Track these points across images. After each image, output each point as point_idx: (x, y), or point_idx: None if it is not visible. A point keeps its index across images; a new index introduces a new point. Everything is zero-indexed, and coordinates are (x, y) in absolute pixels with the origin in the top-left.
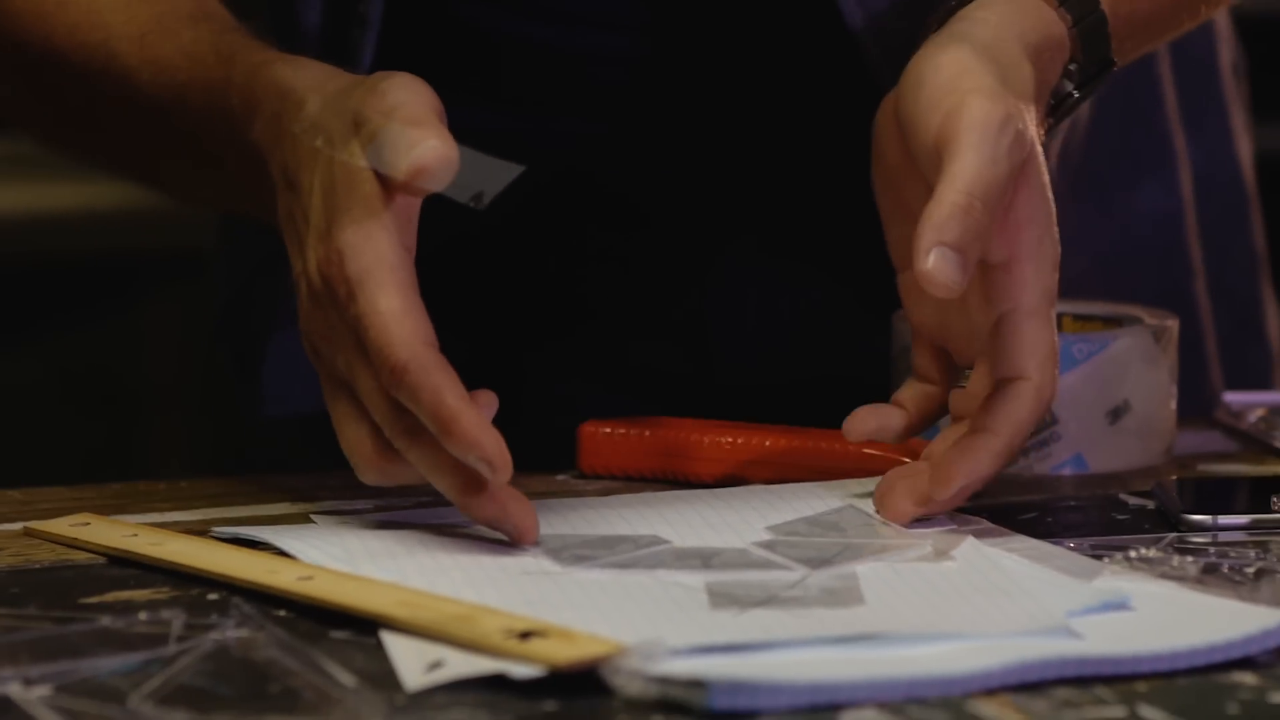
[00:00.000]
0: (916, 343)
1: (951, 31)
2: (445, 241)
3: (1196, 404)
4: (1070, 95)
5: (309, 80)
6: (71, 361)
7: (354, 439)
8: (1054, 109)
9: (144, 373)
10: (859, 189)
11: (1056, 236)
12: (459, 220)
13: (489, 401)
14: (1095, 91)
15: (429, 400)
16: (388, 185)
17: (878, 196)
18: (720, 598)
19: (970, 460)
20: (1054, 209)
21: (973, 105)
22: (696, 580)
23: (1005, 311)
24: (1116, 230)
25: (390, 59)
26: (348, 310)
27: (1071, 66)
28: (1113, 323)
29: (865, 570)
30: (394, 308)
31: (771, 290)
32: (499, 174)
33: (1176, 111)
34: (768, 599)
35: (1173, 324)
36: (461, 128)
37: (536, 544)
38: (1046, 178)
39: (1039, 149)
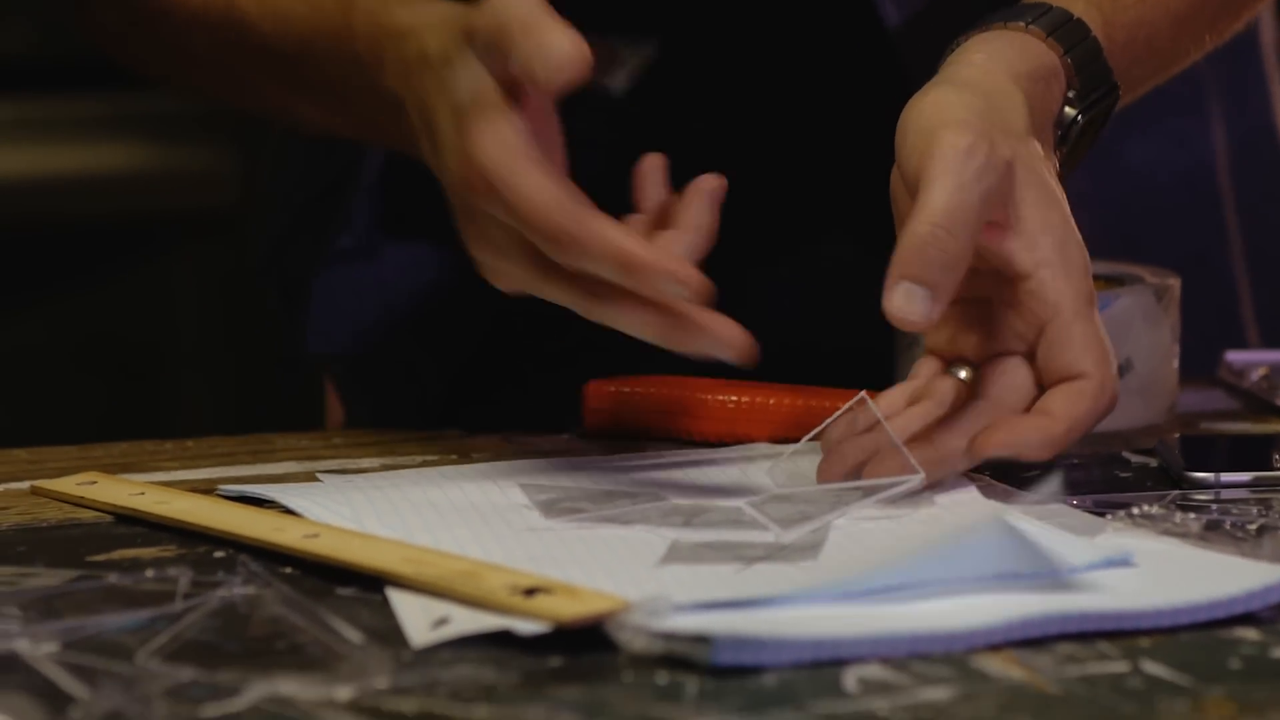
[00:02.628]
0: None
1: (939, 76)
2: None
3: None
4: (1075, 120)
5: (425, 18)
6: (80, 324)
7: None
8: (1064, 136)
9: (152, 335)
10: (877, 177)
11: (1080, 241)
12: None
13: (714, 186)
14: (1106, 116)
15: (599, 247)
16: (511, 89)
17: None
18: (723, 553)
19: (1018, 434)
20: (1068, 217)
21: (941, 138)
22: (700, 535)
23: (1049, 320)
24: (1135, 182)
25: None
26: (495, 207)
27: (1070, 94)
28: (1114, 281)
29: (871, 525)
30: (538, 184)
31: (786, 263)
32: (633, 57)
33: (1210, 70)
34: (771, 553)
35: (1174, 283)
36: None
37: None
38: (1054, 186)
39: (1035, 163)
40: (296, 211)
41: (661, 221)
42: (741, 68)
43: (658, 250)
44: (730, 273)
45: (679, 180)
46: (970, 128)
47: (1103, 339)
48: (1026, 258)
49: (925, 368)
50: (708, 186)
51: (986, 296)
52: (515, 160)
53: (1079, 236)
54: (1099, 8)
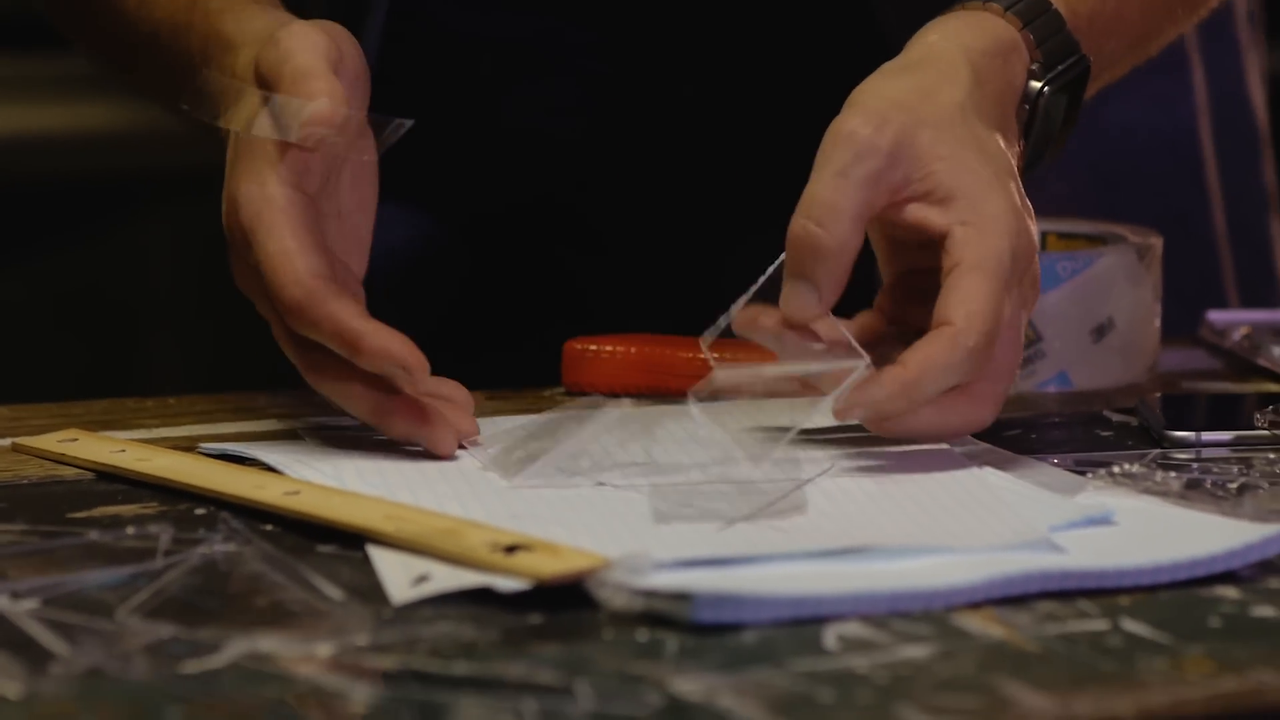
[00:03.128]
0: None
1: (892, 60)
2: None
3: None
4: (1041, 92)
5: (249, 32)
6: (59, 281)
7: (296, 363)
8: (1032, 109)
9: (133, 293)
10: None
11: (1014, 207)
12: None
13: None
14: (1079, 91)
15: (329, 327)
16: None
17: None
18: (707, 511)
19: (867, 390)
20: (996, 182)
21: (832, 127)
22: (681, 494)
23: (946, 270)
24: (1116, 144)
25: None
26: (248, 256)
27: (1034, 66)
28: (1097, 241)
29: (851, 484)
30: (283, 248)
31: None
32: (391, 127)
33: (1190, 35)
34: (753, 512)
35: (1156, 242)
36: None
37: (454, 458)
38: (981, 152)
39: (955, 131)
40: None
41: None
42: (724, 38)
43: (380, 329)
44: (711, 246)
45: (663, 149)
46: (866, 111)
47: (989, 296)
48: (940, 220)
49: (865, 318)
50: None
51: (934, 266)
52: (268, 214)
53: (1012, 201)
54: None
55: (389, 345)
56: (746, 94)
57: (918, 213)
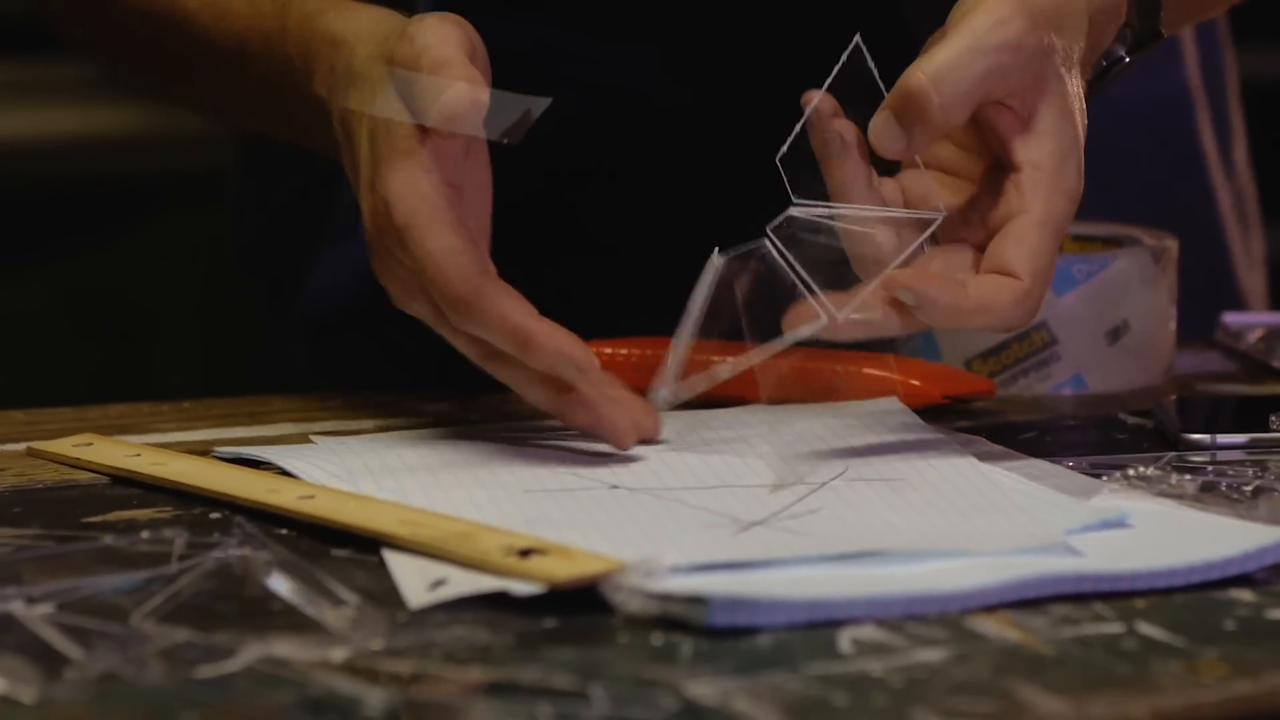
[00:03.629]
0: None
1: None
2: None
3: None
4: (1121, 59)
5: (359, 28)
6: (76, 285)
7: (466, 352)
8: (1104, 72)
9: (149, 297)
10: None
11: (1079, 168)
12: None
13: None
14: (1142, 59)
15: (498, 325)
16: (425, 128)
17: None
18: (719, 515)
19: (926, 283)
20: (1080, 141)
21: (981, 3)
22: (696, 498)
23: (1015, 215)
24: (1115, 154)
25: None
26: (402, 256)
27: (1126, 31)
28: (1112, 243)
29: (865, 488)
30: (443, 246)
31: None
32: (526, 109)
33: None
34: (768, 515)
35: (1172, 244)
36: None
37: (634, 452)
38: (1075, 107)
39: (1070, 73)
40: (279, 204)
41: None
42: (723, 45)
43: (552, 328)
44: (708, 249)
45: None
46: (1018, 6)
47: (1052, 256)
48: (1023, 153)
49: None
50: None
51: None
52: (424, 212)
53: (1081, 164)
54: None
55: (561, 344)
56: (745, 99)
57: (1006, 126)
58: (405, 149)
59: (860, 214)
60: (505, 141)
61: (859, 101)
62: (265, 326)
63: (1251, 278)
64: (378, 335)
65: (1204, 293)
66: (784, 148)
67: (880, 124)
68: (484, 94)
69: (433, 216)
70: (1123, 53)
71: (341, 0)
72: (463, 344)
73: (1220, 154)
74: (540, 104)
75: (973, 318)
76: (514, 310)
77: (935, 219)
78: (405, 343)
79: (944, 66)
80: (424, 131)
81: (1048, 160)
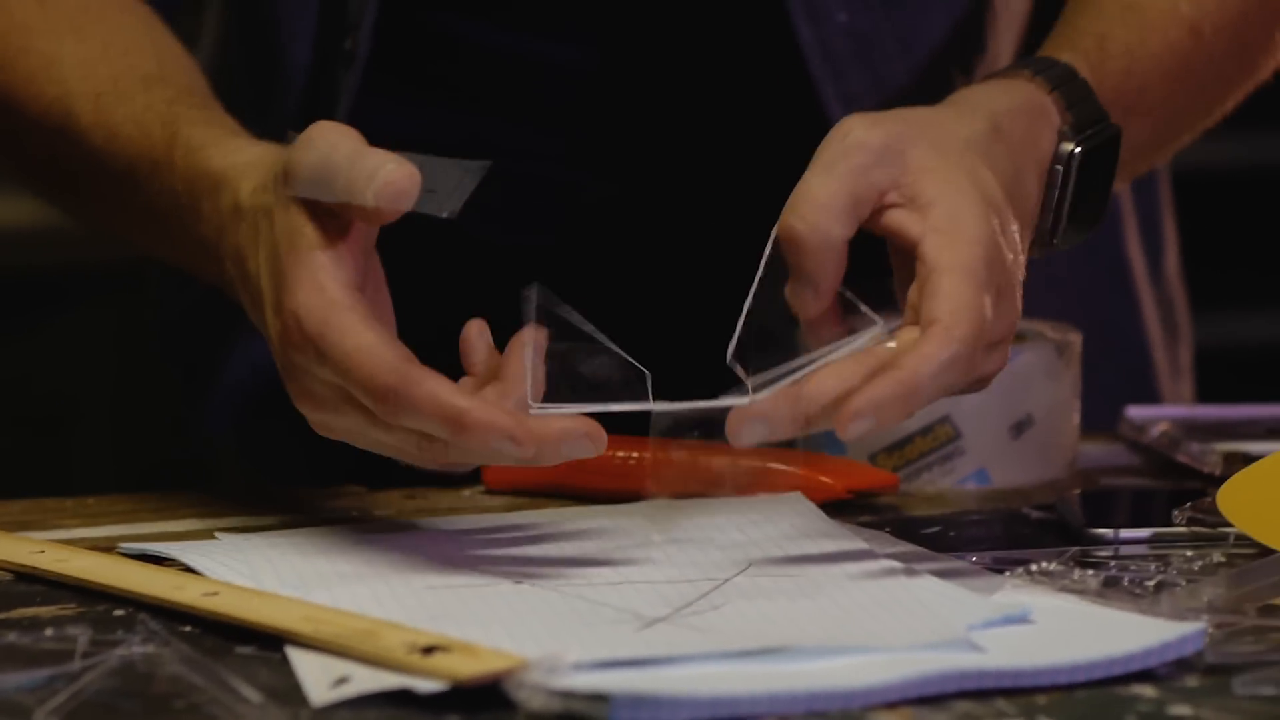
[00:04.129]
0: None
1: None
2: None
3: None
4: (1073, 154)
5: (242, 163)
6: None
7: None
8: (1066, 171)
9: (57, 389)
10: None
11: (981, 216)
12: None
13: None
14: (1109, 156)
15: (430, 408)
16: (327, 232)
17: None
18: (622, 612)
19: (871, 389)
20: (976, 196)
21: (831, 132)
22: (599, 595)
23: (923, 278)
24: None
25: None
26: (321, 365)
27: (1064, 128)
28: (1016, 338)
29: (768, 584)
30: (362, 343)
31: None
32: (463, 176)
33: None
34: (671, 612)
35: (1075, 339)
36: (424, 130)
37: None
38: (967, 173)
39: (946, 148)
40: (197, 294)
41: (488, 379)
42: (659, 87)
43: (489, 407)
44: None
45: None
46: (864, 115)
47: (971, 293)
48: (916, 227)
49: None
50: (528, 338)
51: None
52: (334, 313)
53: (989, 223)
54: (1085, 55)
55: (495, 419)
56: (669, 192)
57: (896, 218)
58: (307, 258)
59: (814, 360)
60: (445, 215)
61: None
62: (179, 415)
63: (1178, 386)
64: (297, 421)
65: (1126, 399)
66: (731, 345)
67: (789, 293)
68: (414, 169)
69: (345, 318)
70: (1071, 148)
71: (225, 136)
72: (398, 440)
73: (1148, 264)
74: (476, 168)
75: (920, 387)
76: (444, 390)
77: (875, 329)
78: (302, 449)
79: (800, 198)
80: (324, 240)
81: (941, 221)
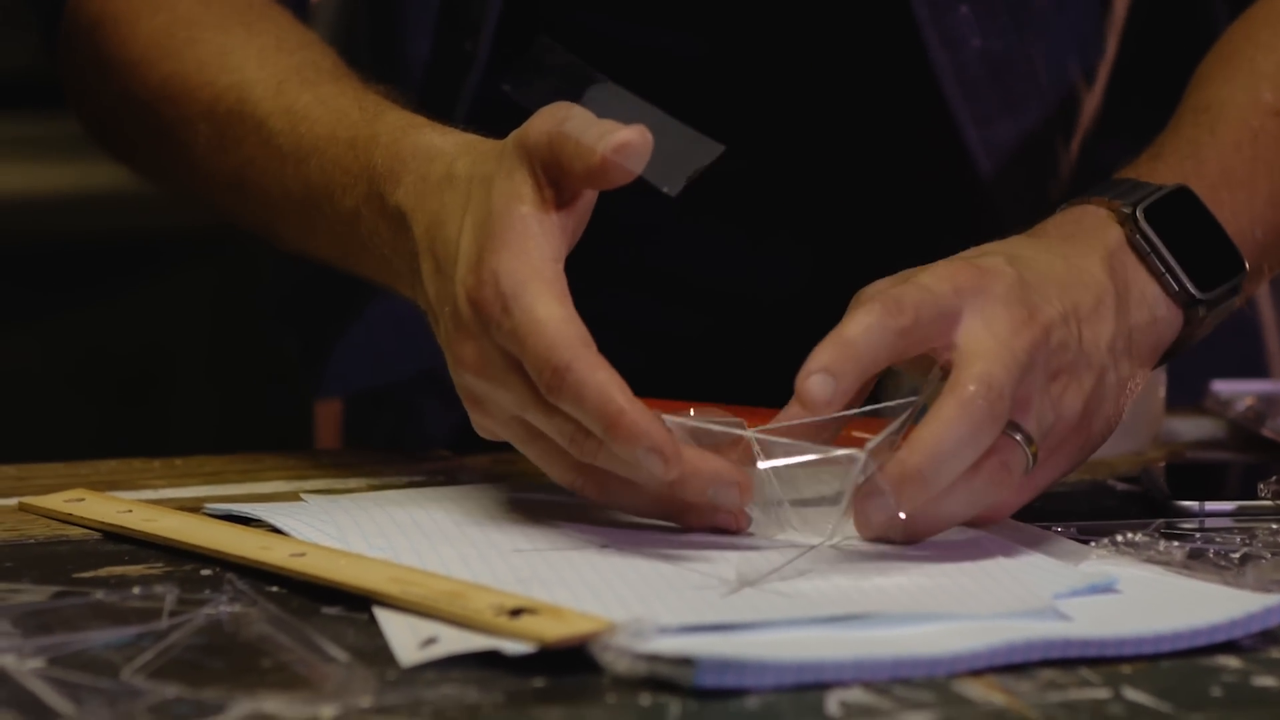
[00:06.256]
0: None
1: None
2: None
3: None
4: (1134, 213)
5: (458, 144)
6: (74, 342)
7: (551, 464)
8: (1140, 232)
9: (147, 353)
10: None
11: (1000, 336)
12: None
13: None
14: (1188, 205)
15: (594, 396)
16: (545, 202)
17: None
18: (708, 576)
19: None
20: (1016, 334)
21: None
22: (686, 559)
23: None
24: None
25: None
26: (502, 326)
27: (1120, 210)
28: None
29: (855, 551)
30: (553, 314)
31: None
32: (696, 156)
33: None
34: (758, 577)
35: None
36: None
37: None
38: (1013, 318)
39: (1000, 292)
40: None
41: None
42: (771, 78)
43: (650, 417)
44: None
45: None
46: (945, 270)
47: (1003, 368)
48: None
49: None
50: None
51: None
52: (533, 280)
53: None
54: (1134, 167)
55: (649, 428)
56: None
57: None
58: (520, 225)
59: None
60: (667, 191)
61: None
62: (278, 381)
63: None
64: (389, 415)
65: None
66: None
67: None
68: (649, 133)
69: (542, 287)
70: (1129, 211)
71: (434, 121)
72: (554, 426)
73: None
74: (710, 149)
75: (931, 461)
76: (614, 384)
77: (857, 460)
78: (434, 410)
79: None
80: (541, 209)
81: (971, 343)
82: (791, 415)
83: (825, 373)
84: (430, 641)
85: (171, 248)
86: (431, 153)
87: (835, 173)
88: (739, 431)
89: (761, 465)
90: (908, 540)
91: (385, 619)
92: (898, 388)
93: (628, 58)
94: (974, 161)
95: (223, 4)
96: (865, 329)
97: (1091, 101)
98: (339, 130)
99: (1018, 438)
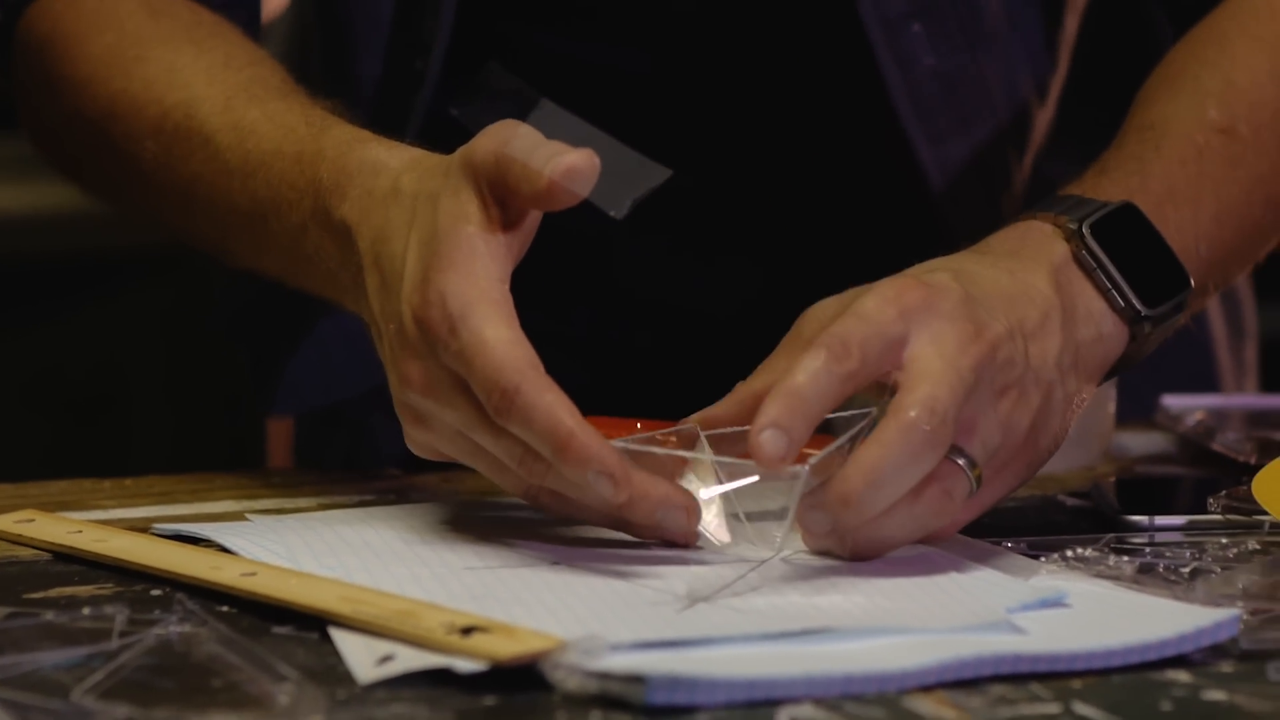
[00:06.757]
0: None
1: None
2: None
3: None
4: (1080, 229)
5: (404, 159)
6: (25, 362)
7: (500, 478)
8: (1086, 248)
9: (99, 372)
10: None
11: (970, 369)
12: None
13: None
14: (1133, 222)
15: (543, 418)
16: (492, 222)
17: None
18: (661, 593)
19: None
20: (963, 350)
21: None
22: (638, 575)
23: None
24: None
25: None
26: (450, 347)
27: (1064, 226)
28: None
29: (806, 566)
30: (501, 336)
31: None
32: (642, 180)
33: None
34: (710, 594)
35: None
36: None
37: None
38: (957, 329)
39: (945, 307)
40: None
41: None
42: (720, 90)
43: (599, 440)
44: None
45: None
46: (882, 289)
47: (948, 388)
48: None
49: None
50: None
51: None
52: (481, 301)
53: (952, 356)
54: (1079, 184)
55: (599, 451)
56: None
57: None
58: (467, 244)
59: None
60: (612, 214)
61: None
62: (233, 400)
63: (1242, 384)
64: (360, 420)
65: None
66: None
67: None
68: (596, 157)
69: (490, 308)
70: (1075, 226)
71: (381, 137)
72: (502, 448)
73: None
74: (656, 174)
75: (871, 473)
76: (562, 406)
77: (799, 475)
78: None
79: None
80: (487, 229)
81: (918, 364)
82: (733, 413)
83: (775, 428)
84: (387, 659)
85: (125, 268)
86: (377, 167)
87: (786, 189)
88: (685, 454)
89: (704, 495)
90: (853, 558)
91: (340, 637)
92: (850, 400)
93: (580, 74)
94: (926, 178)
95: (172, 22)
96: (812, 377)
97: (1044, 116)
98: (285, 145)
99: (961, 462)
